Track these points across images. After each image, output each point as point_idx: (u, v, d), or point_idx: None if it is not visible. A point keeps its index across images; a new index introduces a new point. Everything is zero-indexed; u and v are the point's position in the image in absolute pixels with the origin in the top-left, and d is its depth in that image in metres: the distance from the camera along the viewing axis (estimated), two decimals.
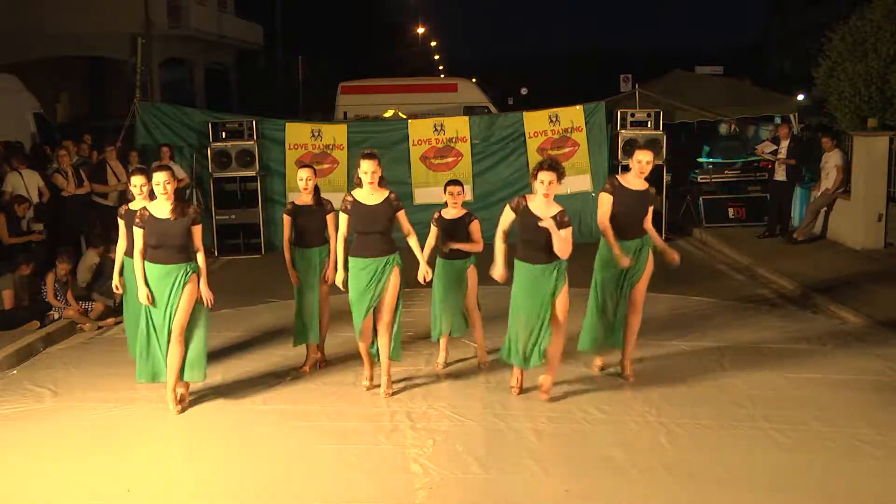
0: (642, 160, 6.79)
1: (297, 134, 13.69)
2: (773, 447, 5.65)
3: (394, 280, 6.52)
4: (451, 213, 7.16)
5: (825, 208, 12.79)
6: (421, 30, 60.91)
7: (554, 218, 6.15)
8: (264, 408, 6.56)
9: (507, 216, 6.34)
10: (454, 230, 7.12)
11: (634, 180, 6.85)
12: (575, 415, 6.25)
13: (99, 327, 9.06)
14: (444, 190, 7.22)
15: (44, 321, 8.85)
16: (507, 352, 6.56)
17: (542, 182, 6.19)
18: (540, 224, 6.14)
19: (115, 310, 9.41)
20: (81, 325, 9.03)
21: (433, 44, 68.14)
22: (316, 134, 13.68)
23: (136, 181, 6.96)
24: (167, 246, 6.30)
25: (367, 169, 6.44)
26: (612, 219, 6.76)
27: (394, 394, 6.71)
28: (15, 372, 7.60)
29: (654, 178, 12.89)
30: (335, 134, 13.72)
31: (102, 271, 9.59)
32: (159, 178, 6.35)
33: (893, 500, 5.02)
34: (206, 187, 13.33)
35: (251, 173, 13.21)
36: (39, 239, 10.39)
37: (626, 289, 6.87)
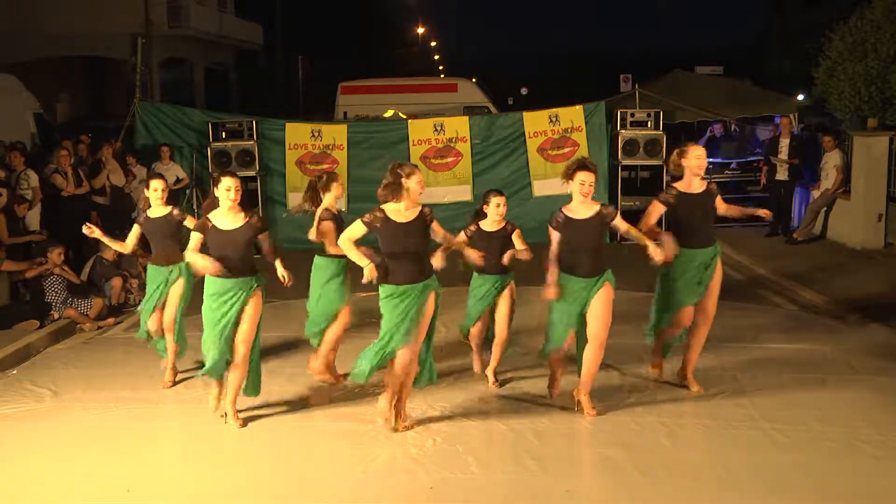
0: (695, 156, 6.31)
1: (297, 134, 13.69)
2: (773, 447, 5.65)
3: (431, 305, 5.84)
4: (492, 225, 6.62)
5: (825, 208, 12.80)
6: (421, 30, 60.94)
7: (599, 212, 5.91)
8: (264, 408, 6.55)
9: (556, 237, 5.94)
10: (495, 243, 6.55)
11: (695, 182, 6.38)
12: (575, 415, 6.24)
13: (99, 327, 9.06)
14: (487, 201, 6.58)
15: (44, 321, 8.85)
16: None
17: (582, 183, 5.84)
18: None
19: (114, 309, 9.42)
20: (81, 325, 9.03)
21: (433, 44, 68.14)
22: (316, 134, 13.69)
23: (157, 185, 6.72)
24: (231, 258, 5.90)
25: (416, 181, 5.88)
26: (679, 226, 6.38)
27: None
28: (15, 372, 7.59)
29: (654, 178, 13.20)
30: (335, 134, 13.73)
31: (96, 271, 9.60)
32: (229, 182, 5.87)
33: (893, 500, 5.02)
34: (206, 187, 13.32)
35: (251, 173, 13.21)
36: (41, 239, 10.38)
37: (701, 295, 6.49)
